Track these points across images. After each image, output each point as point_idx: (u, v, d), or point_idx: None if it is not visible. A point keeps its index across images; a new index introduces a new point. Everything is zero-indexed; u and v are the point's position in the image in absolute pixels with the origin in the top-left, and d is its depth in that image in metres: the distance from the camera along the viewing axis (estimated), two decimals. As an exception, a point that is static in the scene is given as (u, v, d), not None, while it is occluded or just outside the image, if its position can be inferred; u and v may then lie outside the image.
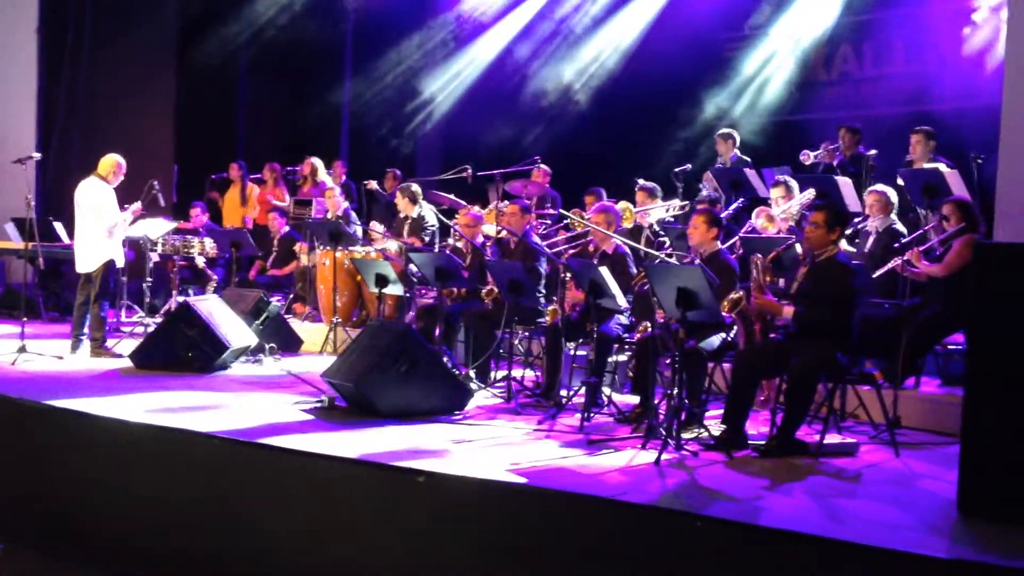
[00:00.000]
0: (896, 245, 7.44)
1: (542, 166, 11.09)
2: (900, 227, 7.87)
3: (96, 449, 6.44)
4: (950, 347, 7.33)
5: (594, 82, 13.25)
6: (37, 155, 10.19)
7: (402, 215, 10.37)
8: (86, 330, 8.92)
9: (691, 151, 11.95)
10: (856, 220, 8.34)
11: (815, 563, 4.27)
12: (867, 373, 6.30)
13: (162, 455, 6.16)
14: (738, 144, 10.56)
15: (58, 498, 6.54)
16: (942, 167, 8.16)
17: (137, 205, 9.27)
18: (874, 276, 7.25)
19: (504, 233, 8.54)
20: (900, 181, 8.48)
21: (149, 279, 10.33)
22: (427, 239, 10.13)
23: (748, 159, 10.44)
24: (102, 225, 8.91)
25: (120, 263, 9.17)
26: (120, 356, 8.74)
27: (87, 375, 8.00)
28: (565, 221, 9.68)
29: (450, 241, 9.93)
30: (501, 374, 7.89)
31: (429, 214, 10.26)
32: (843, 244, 6.19)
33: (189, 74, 13.85)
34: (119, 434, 6.31)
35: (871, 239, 7.93)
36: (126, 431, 6.28)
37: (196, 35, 13.91)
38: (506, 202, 9.39)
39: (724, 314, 6.14)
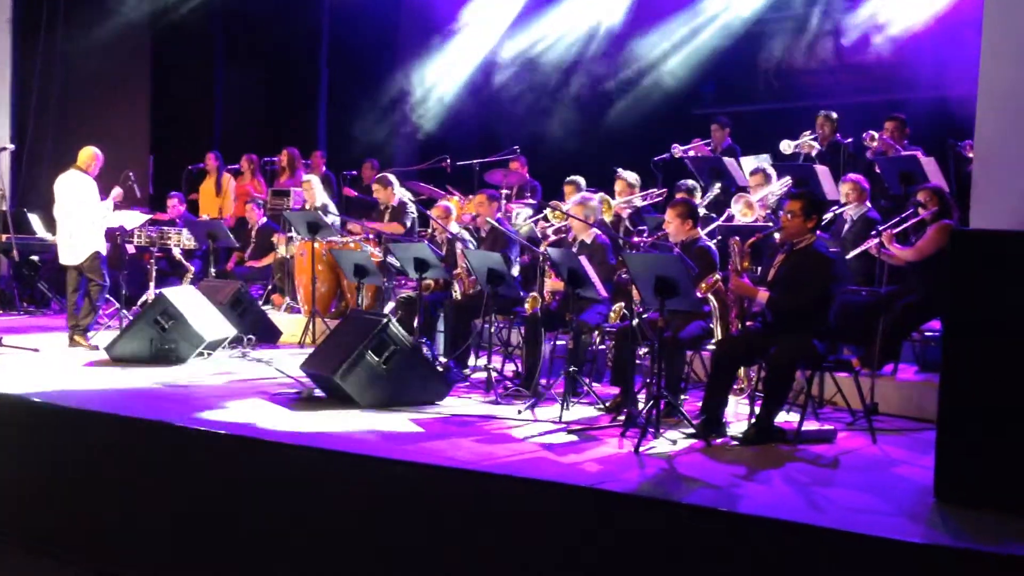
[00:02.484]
0: (873, 233, 7.47)
1: (519, 156, 11.07)
2: (875, 215, 7.90)
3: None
4: (927, 334, 7.36)
5: (572, 70, 13.22)
6: (11, 146, 10.10)
7: (381, 205, 10.34)
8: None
9: (670, 139, 11.93)
10: (834, 208, 8.37)
11: (793, 549, 4.29)
12: (844, 360, 6.33)
13: (127, 444, 6.15)
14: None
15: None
16: (919, 155, 8.20)
17: (117, 191, 9.28)
18: (848, 257, 7.27)
19: (476, 222, 8.53)
20: (877, 169, 8.53)
21: (125, 271, 10.26)
22: (408, 224, 10.11)
23: (738, 147, 10.48)
24: (87, 217, 8.92)
25: (103, 253, 9.17)
26: (96, 348, 8.71)
27: (63, 367, 7.95)
28: (544, 212, 9.67)
29: (429, 231, 9.92)
30: (481, 363, 7.88)
31: (408, 202, 10.24)
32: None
33: (164, 63, 13.74)
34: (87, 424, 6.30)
35: (846, 226, 7.97)
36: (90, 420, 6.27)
37: (171, 23, 13.79)
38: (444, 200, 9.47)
39: (700, 295, 6.15)
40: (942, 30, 10.64)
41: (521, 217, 9.83)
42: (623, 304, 6.79)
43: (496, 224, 8.32)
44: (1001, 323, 4.55)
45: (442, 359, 8.01)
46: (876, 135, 8.92)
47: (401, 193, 10.26)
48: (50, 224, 11.47)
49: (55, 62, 13.11)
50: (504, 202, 9.66)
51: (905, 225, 7.27)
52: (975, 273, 4.67)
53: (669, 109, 12.62)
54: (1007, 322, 4.54)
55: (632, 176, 9.42)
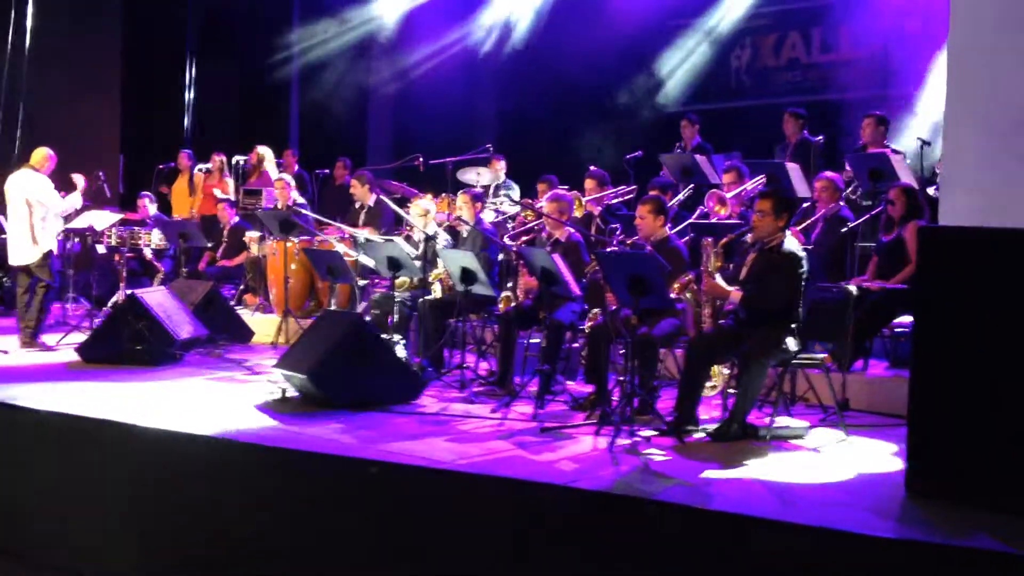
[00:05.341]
0: (843, 231, 7.53)
1: (496, 157, 11.06)
2: (847, 213, 7.96)
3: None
4: (897, 330, 7.42)
5: (546, 69, 13.21)
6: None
7: (357, 204, 10.31)
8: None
9: (642, 137, 11.98)
10: (805, 206, 8.43)
11: (766, 546, 4.32)
12: (816, 356, 6.37)
13: (105, 447, 6.10)
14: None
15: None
16: (889, 152, 8.27)
17: (81, 180, 9.38)
18: (865, 287, 7.18)
19: (456, 222, 8.52)
20: (848, 166, 8.59)
21: (95, 271, 10.19)
22: (384, 229, 10.08)
23: (709, 145, 10.52)
24: (50, 212, 8.95)
25: (55, 252, 9.13)
26: (52, 348, 8.75)
27: (32, 368, 7.88)
28: (516, 210, 9.67)
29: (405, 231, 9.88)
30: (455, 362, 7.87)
31: (385, 202, 10.22)
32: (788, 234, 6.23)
33: (135, 62, 13.64)
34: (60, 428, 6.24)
35: (819, 226, 8.02)
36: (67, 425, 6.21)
37: (142, 22, 13.69)
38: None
39: (673, 295, 6.18)
40: (912, 26, 10.74)
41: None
42: (599, 311, 6.80)
43: (474, 225, 8.31)
44: (970, 319, 4.60)
45: (416, 358, 7.99)
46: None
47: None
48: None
49: (23, 61, 12.98)
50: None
51: (890, 238, 7.30)
52: (944, 269, 4.71)
53: (640, 107, 12.68)
54: (976, 318, 4.58)
55: (601, 173, 9.47)
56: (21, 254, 8.96)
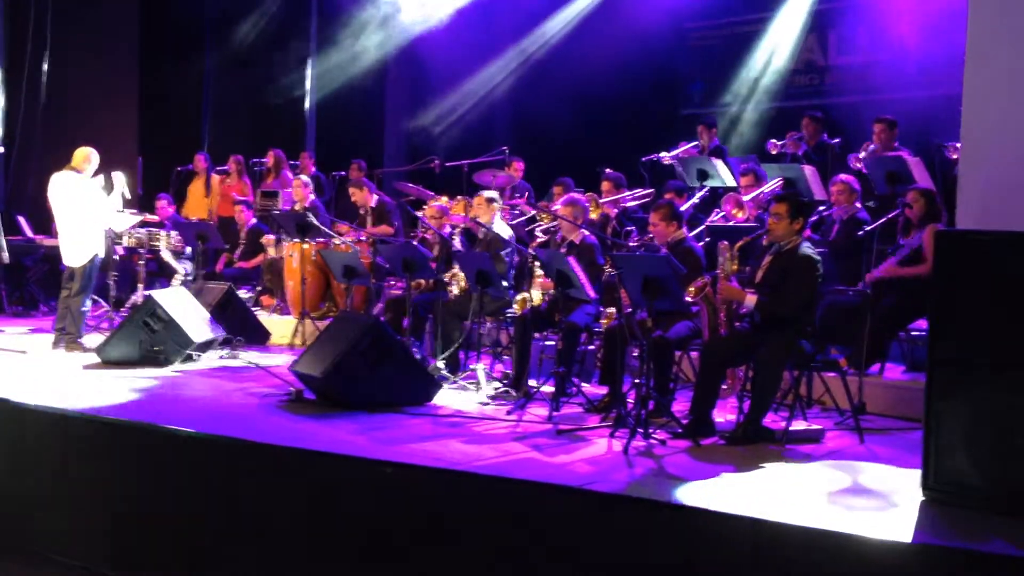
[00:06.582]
0: (860, 233, 7.51)
1: (515, 159, 11.07)
2: (864, 215, 7.94)
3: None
4: (914, 333, 7.40)
5: (562, 71, 13.22)
6: (0, 149, 10.10)
7: (362, 211, 10.35)
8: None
9: (658, 140, 11.97)
10: (821, 208, 8.40)
11: (781, 549, 4.31)
12: (832, 360, 6.35)
13: (117, 447, 6.14)
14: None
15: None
16: (906, 155, 8.24)
17: (121, 182, 9.35)
18: (869, 279, 7.16)
19: (472, 224, 8.53)
20: (864, 169, 8.55)
21: (114, 273, 10.24)
22: (396, 224, 10.12)
23: (726, 148, 10.50)
24: (86, 217, 8.86)
25: (102, 255, 9.11)
26: (91, 350, 8.73)
27: (50, 369, 7.93)
28: (532, 213, 9.69)
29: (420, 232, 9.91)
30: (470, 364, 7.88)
31: (386, 200, 10.33)
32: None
33: (153, 64, 13.71)
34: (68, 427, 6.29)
35: (835, 228, 8.00)
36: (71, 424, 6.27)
37: (159, 24, 13.77)
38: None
39: (689, 299, 6.18)
40: (928, 28, 10.71)
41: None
42: (614, 311, 6.80)
43: (490, 228, 8.32)
44: (986, 322, 4.58)
45: (431, 360, 8.01)
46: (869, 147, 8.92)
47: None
48: (40, 226, 11.48)
49: (43, 65, 13.08)
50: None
51: (910, 246, 7.27)
52: (960, 273, 4.70)
53: (657, 109, 12.67)
54: (992, 321, 4.57)
55: (617, 176, 9.46)
56: (67, 256, 8.93)
